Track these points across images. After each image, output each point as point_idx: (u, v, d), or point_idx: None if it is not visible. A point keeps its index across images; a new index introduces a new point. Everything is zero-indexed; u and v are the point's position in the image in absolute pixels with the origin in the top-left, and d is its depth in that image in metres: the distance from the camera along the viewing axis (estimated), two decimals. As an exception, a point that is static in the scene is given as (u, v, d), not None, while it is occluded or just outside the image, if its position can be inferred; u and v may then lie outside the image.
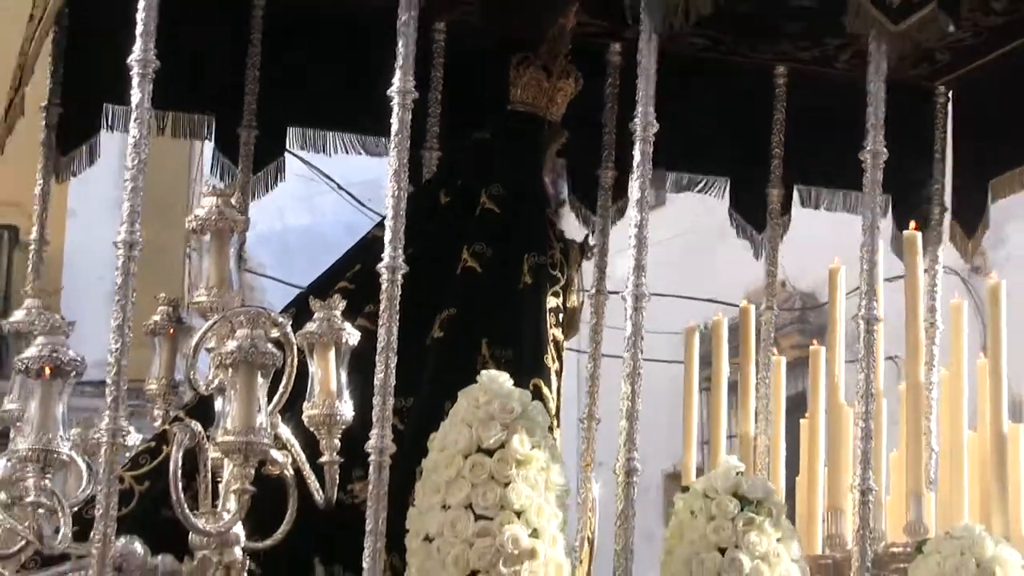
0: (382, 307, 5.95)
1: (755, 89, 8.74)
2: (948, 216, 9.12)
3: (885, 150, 6.75)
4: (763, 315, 8.39)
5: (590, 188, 8.63)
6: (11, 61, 8.18)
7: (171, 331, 7.28)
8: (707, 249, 16.29)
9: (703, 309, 13.67)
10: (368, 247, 7.26)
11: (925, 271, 8.19)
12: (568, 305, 7.41)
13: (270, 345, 5.67)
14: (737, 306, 8.42)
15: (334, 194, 21.62)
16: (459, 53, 6.32)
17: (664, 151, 6.81)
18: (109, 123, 8.53)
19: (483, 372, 6.12)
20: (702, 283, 16.08)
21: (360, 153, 9.15)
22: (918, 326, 7.29)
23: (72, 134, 8.36)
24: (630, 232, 6.28)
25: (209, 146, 8.85)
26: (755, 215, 9.09)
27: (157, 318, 7.31)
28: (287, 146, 8.85)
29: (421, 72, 6.42)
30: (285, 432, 5.79)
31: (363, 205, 20.72)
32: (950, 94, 8.83)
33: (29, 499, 5.68)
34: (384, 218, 7.48)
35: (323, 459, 5.89)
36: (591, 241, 7.96)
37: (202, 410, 6.40)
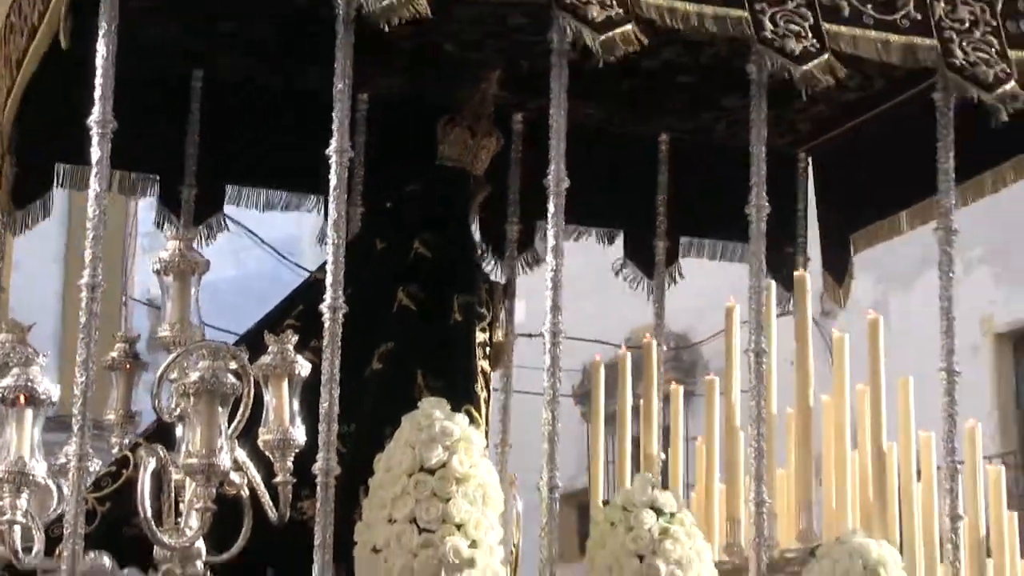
0: (325, 343, 5.93)
1: (643, 154, 8.70)
2: (819, 267, 9.14)
3: (768, 204, 6.82)
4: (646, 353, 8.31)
5: (499, 240, 8.57)
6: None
7: (127, 366, 7.25)
8: (589, 295, 16.20)
9: (588, 348, 13.64)
10: (308, 290, 7.30)
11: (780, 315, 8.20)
12: (494, 340, 7.43)
13: (230, 376, 5.64)
14: (618, 346, 8.41)
15: (258, 249, 21.65)
16: (385, 118, 6.17)
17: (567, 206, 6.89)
18: (59, 181, 8.45)
19: (424, 399, 6.12)
20: (588, 325, 16.03)
21: (285, 210, 9.18)
22: (807, 356, 7.23)
23: (27, 191, 8.14)
24: (547, 275, 6.34)
25: (144, 202, 8.78)
26: (645, 264, 9.05)
27: (115, 354, 7.26)
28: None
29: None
30: (241, 455, 5.70)
31: (284, 258, 20.83)
32: (809, 159, 8.83)
33: (6, 517, 5.60)
34: (324, 264, 7.51)
35: (277, 479, 5.84)
36: (512, 283, 7.88)
37: (161, 437, 6.34)
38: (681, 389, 8.19)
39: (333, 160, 6.11)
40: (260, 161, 8.61)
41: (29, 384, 5.58)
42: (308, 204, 8.93)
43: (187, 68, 7.63)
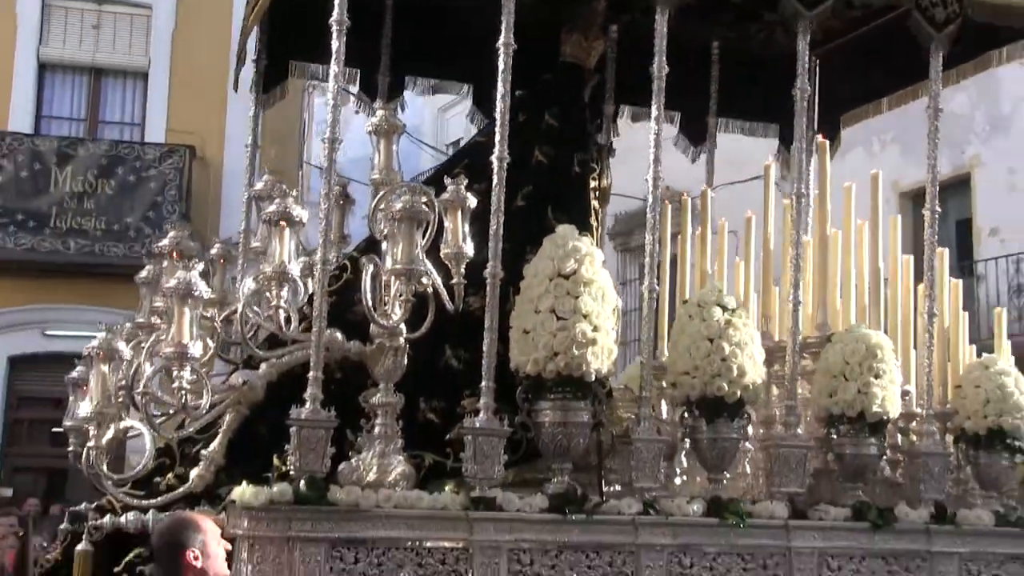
0: (494, 185, 5.77)
1: (700, 55, 8.40)
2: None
3: (808, 87, 6.55)
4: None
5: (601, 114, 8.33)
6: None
7: (341, 202, 7.07)
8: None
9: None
10: (471, 149, 7.28)
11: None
12: (602, 186, 7.34)
13: (423, 206, 5.54)
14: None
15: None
16: (525, 25, 5.95)
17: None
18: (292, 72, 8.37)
19: (558, 227, 5.98)
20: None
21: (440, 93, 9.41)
22: (825, 198, 7.02)
23: (270, 80, 8.04)
24: (651, 137, 6.23)
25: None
26: (693, 137, 8.96)
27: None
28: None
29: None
30: (428, 264, 5.50)
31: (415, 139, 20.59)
32: (817, 61, 8.42)
33: (274, 303, 5.59)
34: (482, 130, 7.39)
35: (453, 281, 5.73)
36: (613, 145, 7.68)
37: (369, 250, 6.16)
38: (727, 223, 7.84)
39: (501, 52, 5.97)
40: (430, 58, 8.47)
41: (287, 210, 5.59)
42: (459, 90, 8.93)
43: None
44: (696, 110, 8.73)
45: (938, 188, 6.83)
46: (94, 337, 15.99)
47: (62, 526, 6.94)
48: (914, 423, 6.58)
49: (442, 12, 7.89)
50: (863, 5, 7.08)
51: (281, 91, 8.27)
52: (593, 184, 7.16)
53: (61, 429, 16.57)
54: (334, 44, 5.71)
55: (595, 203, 7.13)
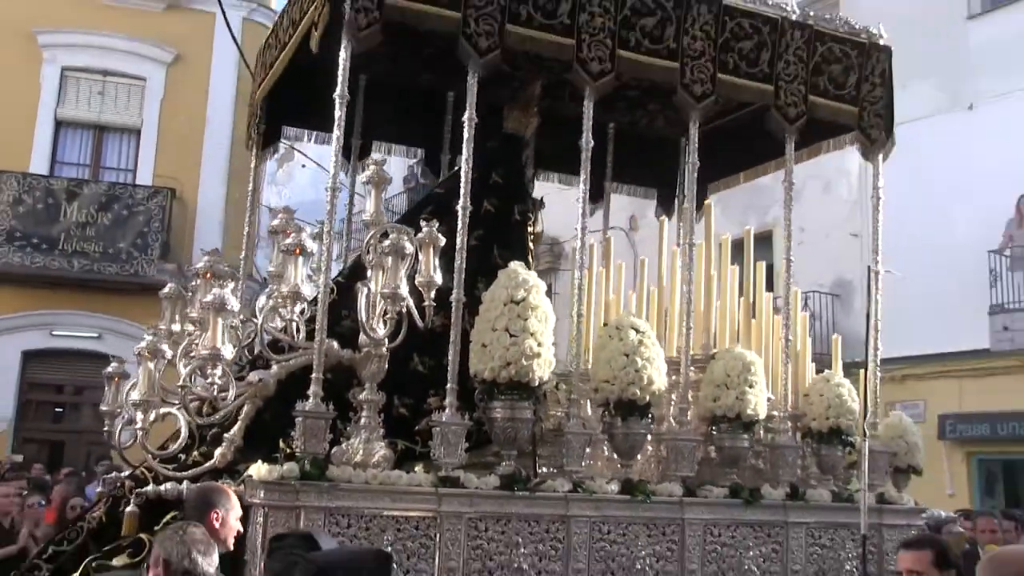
0: (459, 227, 5.69)
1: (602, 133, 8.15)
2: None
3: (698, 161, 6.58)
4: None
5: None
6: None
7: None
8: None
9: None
10: (431, 198, 7.08)
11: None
12: (535, 231, 7.25)
13: (406, 242, 5.42)
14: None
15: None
16: (478, 104, 5.86)
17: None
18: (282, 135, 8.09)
19: (509, 263, 5.89)
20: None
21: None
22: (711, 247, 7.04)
23: (266, 140, 7.77)
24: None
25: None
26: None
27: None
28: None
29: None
30: (405, 289, 5.39)
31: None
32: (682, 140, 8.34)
33: (288, 317, 5.51)
34: (441, 181, 7.29)
35: (424, 303, 5.56)
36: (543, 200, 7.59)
37: (354, 276, 6.06)
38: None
39: (466, 126, 5.84)
40: (398, 127, 8.28)
41: (301, 242, 5.48)
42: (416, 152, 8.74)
43: (356, 73, 7.08)
44: (595, 175, 8.59)
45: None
46: (91, 337, 15.40)
47: (99, 489, 6.70)
48: (773, 423, 6.60)
49: (404, 91, 7.79)
50: (737, 102, 7.10)
51: (274, 149, 8.04)
52: (530, 229, 7.07)
53: (60, 409, 16.02)
54: (337, 113, 5.60)
55: (530, 244, 7.05)
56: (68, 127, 16.98)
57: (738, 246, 7.28)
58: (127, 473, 6.11)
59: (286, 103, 7.43)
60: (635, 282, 7.63)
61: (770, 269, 7.49)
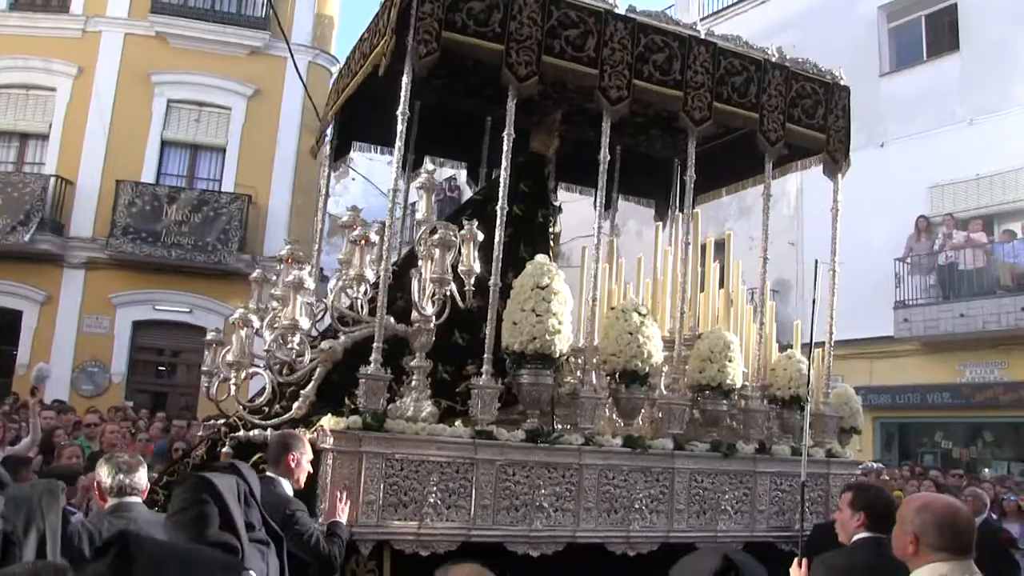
0: (497, 226, 5.29)
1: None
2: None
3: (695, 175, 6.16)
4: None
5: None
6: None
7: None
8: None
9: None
10: (471, 203, 6.74)
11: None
12: (555, 231, 6.82)
13: (452, 235, 5.09)
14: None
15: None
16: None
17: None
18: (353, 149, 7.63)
19: (536, 257, 5.51)
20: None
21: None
22: (697, 247, 6.55)
23: (338, 153, 7.29)
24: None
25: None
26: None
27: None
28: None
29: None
30: (449, 275, 5.07)
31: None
32: (676, 161, 8.03)
33: (352, 295, 5.02)
34: (479, 190, 6.88)
35: (464, 288, 5.23)
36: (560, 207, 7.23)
37: (407, 264, 5.68)
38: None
39: (505, 140, 5.44)
40: (440, 144, 7.67)
41: (367, 234, 5.15)
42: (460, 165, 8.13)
43: (413, 99, 6.63)
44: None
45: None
46: (184, 312, 15.16)
47: (200, 432, 6.35)
48: (746, 391, 6.24)
49: (450, 116, 7.25)
50: (727, 126, 6.65)
51: (344, 162, 7.59)
52: (551, 230, 6.66)
53: (163, 368, 15.70)
54: (399, 127, 5.18)
55: (551, 242, 6.60)
56: (170, 146, 16.74)
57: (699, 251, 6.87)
58: (222, 421, 5.76)
59: (355, 123, 7.04)
60: (617, 277, 7.18)
61: (722, 270, 7.06)
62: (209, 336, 5.63)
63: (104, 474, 3.58)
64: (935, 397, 14.68)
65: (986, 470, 13.02)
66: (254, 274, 6.14)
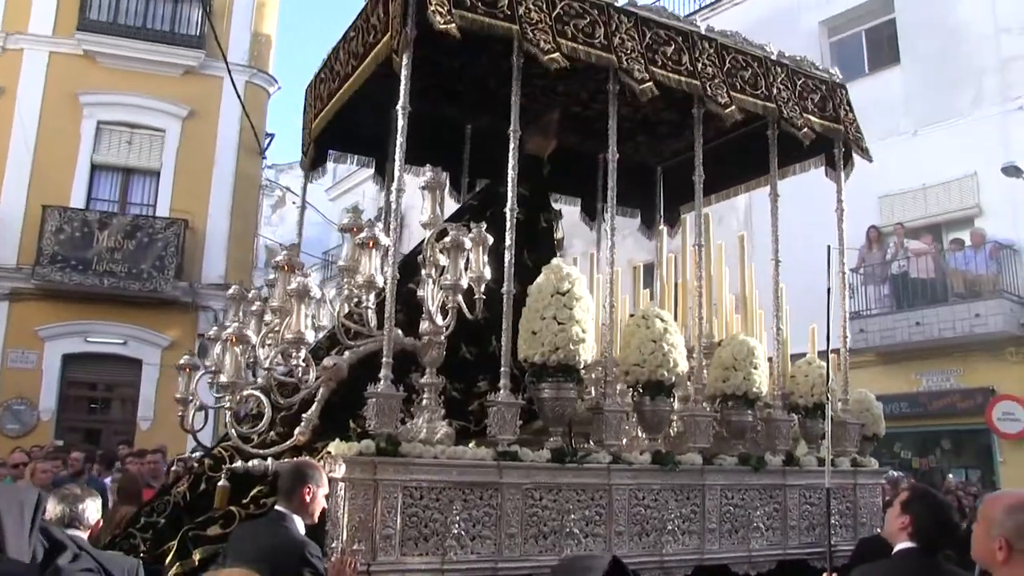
0: (507, 232, 4.85)
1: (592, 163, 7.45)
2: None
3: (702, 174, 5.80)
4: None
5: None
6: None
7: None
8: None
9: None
10: (467, 208, 6.26)
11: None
12: (557, 236, 6.40)
13: (465, 239, 4.63)
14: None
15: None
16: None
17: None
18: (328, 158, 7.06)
19: (553, 260, 5.06)
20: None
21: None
22: (709, 250, 6.19)
23: (315, 162, 6.74)
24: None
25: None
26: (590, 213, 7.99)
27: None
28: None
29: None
30: (463, 281, 4.61)
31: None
32: (659, 169, 7.78)
33: (364, 305, 4.48)
34: (474, 194, 6.46)
35: (474, 296, 4.73)
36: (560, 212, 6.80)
37: (410, 271, 5.16)
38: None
39: (511, 137, 4.99)
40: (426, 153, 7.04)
41: (375, 235, 4.54)
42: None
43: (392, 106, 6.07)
44: (592, 197, 7.69)
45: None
46: (118, 343, 14.14)
47: (175, 468, 5.68)
48: (767, 399, 5.85)
49: (431, 124, 6.77)
50: (715, 132, 6.34)
51: (321, 170, 6.95)
52: (554, 234, 6.28)
53: (95, 405, 14.50)
54: (400, 122, 4.75)
55: (556, 247, 6.21)
56: (101, 170, 15.72)
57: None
58: (199, 454, 5.11)
59: (329, 131, 6.47)
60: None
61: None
62: (182, 360, 5.02)
63: (50, 506, 3.26)
64: (893, 407, 14.57)
65: (950, 476, 12.97)
66: (231, 291, 5.55)
